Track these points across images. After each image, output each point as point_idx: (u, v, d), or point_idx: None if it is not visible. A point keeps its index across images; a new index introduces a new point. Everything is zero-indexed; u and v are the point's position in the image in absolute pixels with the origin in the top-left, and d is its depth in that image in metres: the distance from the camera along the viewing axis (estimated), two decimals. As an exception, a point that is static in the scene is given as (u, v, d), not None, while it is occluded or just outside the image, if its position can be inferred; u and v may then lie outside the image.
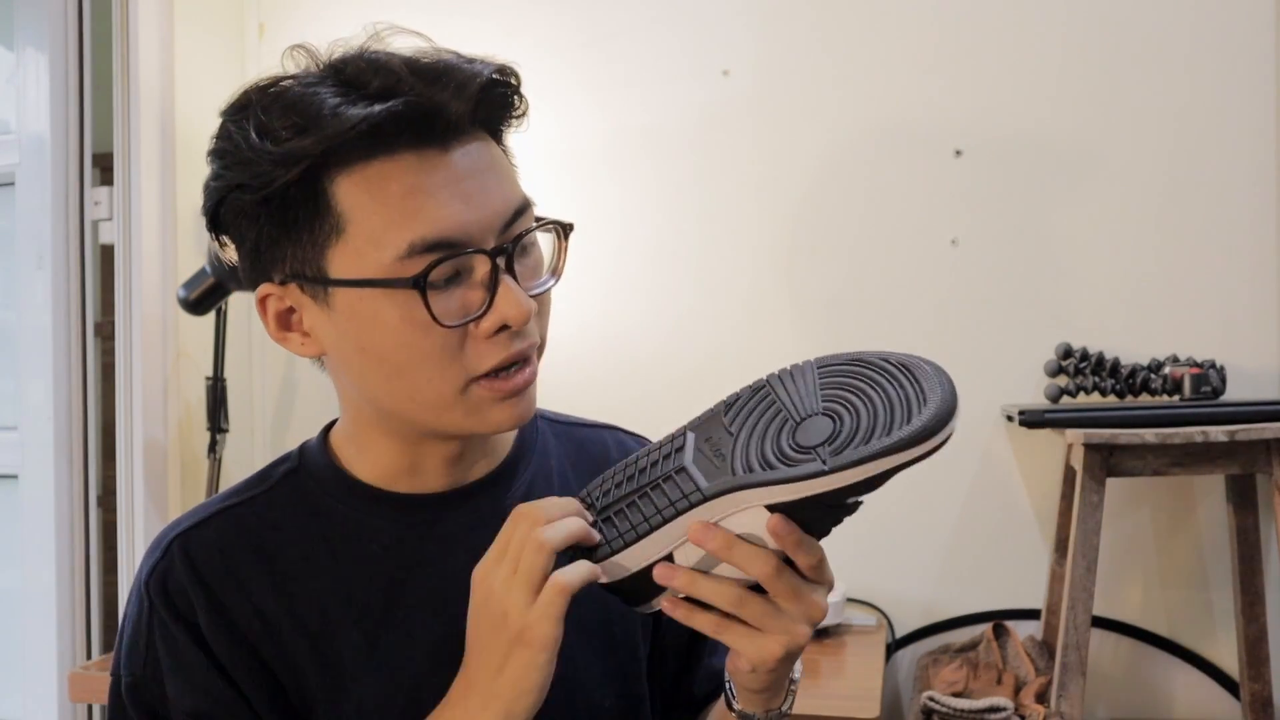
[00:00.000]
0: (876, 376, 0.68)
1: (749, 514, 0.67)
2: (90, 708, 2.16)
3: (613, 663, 0.86)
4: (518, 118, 0.81)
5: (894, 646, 2.05)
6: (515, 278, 0.74)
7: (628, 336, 2.18)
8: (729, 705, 0.77)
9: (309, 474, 0.85)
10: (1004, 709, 1.69)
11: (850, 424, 0.66)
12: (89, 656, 2.14)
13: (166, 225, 2.14)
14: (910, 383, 0.66)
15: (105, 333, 2.22)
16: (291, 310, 0.78)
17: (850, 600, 2.02)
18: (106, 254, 2.17)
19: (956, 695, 1.78)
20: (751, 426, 0.69)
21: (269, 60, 2.42)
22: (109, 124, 2.14)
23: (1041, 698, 1.75)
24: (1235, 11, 1.95)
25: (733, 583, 0.68)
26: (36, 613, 2.15)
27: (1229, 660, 1.96)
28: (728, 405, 0.72)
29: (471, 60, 0.76)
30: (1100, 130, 2.01)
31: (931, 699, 1.74)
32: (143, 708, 0.79)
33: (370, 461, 0.83)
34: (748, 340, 2.13)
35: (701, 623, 0.70)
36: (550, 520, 0.70)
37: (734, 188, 2.15)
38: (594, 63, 2.21)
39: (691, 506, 0.68)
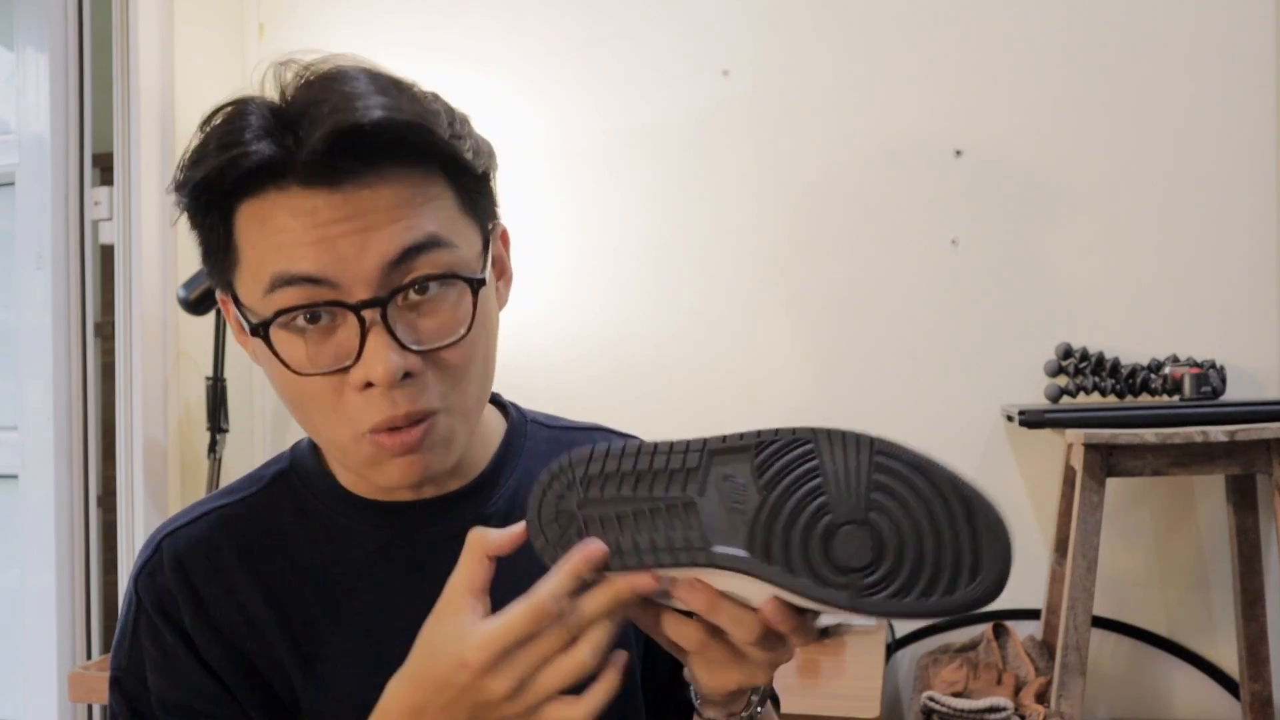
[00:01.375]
0: (938, 506, 0.60)
1: (751, 586, 0.62)
2: (90, 708, 2.16)
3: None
4: (463, 153, 0.74)
5: (894, 646, 2.05)
6: (392, 331, 0.70)
7: (628, 336, 2.18)
8: (694, 706, 0.76)
9: (299, 477, 0.85)
10: (1004, 709, 1.69)
11: (891, 562, 0.60)
12: (89, 656, 2.14)
13: (166, 225, 2.14)
14: (968, 533, 0.60)
15: (105, 333, 2.22)
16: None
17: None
18: (106, 254, 2.17)
19: (956, 695, 1.78)
20: (783, 498, 0.61)
21: (269, 60, 2.42)
22: (109, 124, 2.14)
23: (1041, 698, 1.75)
24: (1235, 12, 1.95)
25: (697, 626, 0.64)
26: (36, 613, 2.15)
27: (1229, 660, 1.96)
28: (760, 446, 0.62)
29: (362, 98, 0.70)
30: (1100, 131, 2.01)
31: (931, 699, 1.74)
32: (125, 699, 0.80)
33: (347, 471, 0.84)
34: (747, 340, 2.13)
35: (660, 640, 0.68)
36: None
37: (734, 188, 2.15)
38: (594, 63, 2.21)
39: (693, 565, 0.62)
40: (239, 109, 0.73)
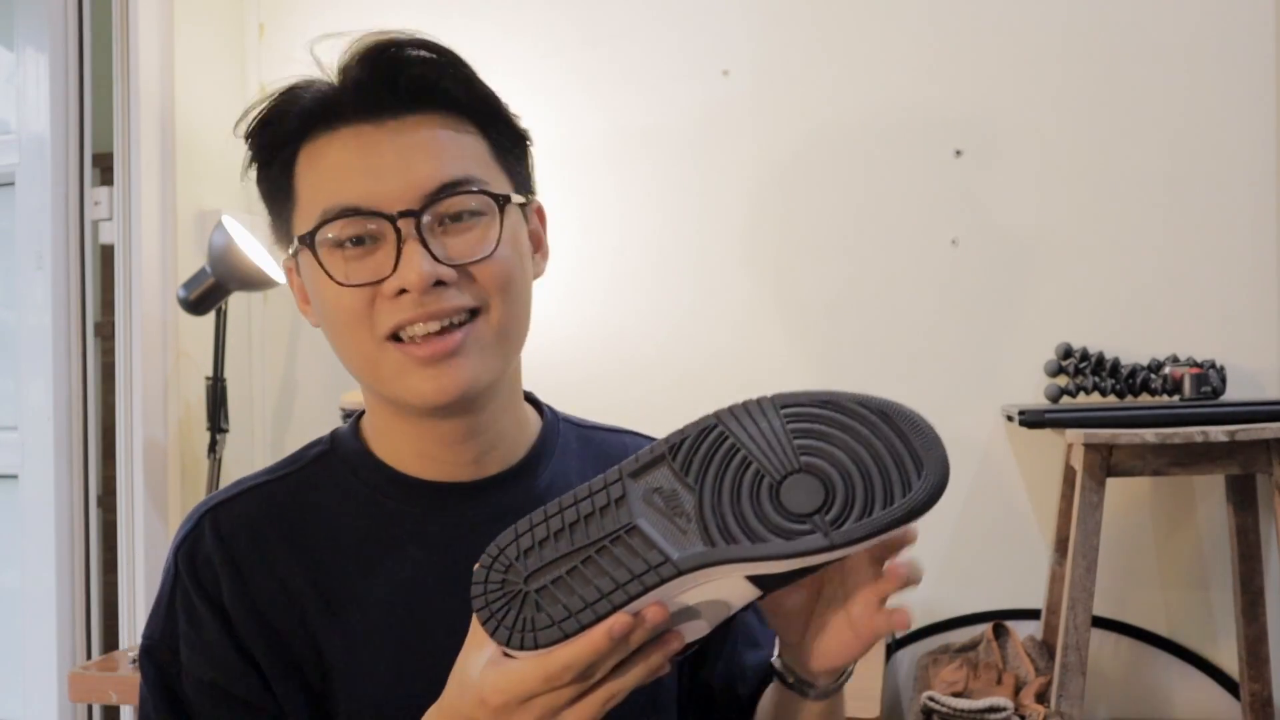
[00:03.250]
0: (857, 426, 0.63)
1: (721, 581, 0.62)
2: (90, 708, 2.16)
3: None
4: (478, 97, 0.81)
5: (894, 646, 2.05)
6: (426, 244, 0.75)
7: (627, 336, 2.18)
8: (783, 683, 0.77)
9: (340, 457, 0.87)
10: (1004, 709, 1.69)
11: (844, 489, 0.61)
12: (89, 656, 2.14)
13: (166, 225, 2.14)
14: (896, 435, 0.62)
15: (105, 333, 2.22)
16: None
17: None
18: (106, 254, 2.17)
19: (956, 695, 1.78)
20: (717, 480, 0.62)
21: (269, 60, 2.42)
22: (109, 124, 2.14)
23: (1041, 698, 1.75)
24: (1235, 11, 1.95)
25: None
26: (36, 613, 2.15)
27: (1229, 660, 1.95)
28: (672, 450, 0.63)
29: (394, 41, 0.79)
30: (1100, 130, 2.01)
31: (931, 699, 1.74)
32: (154, 667, 0.81)
33: (389, 444, 0.85)
34: (747, 340, 2.13)
35: (775, 609, 0.72)
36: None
37: (733, 187, 2.15)
38: (594, 62, 2.21)
39: (663, 581, 0.60)
40: (299, 80, 0.81)
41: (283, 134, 0.80)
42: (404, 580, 0.82)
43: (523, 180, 0.85)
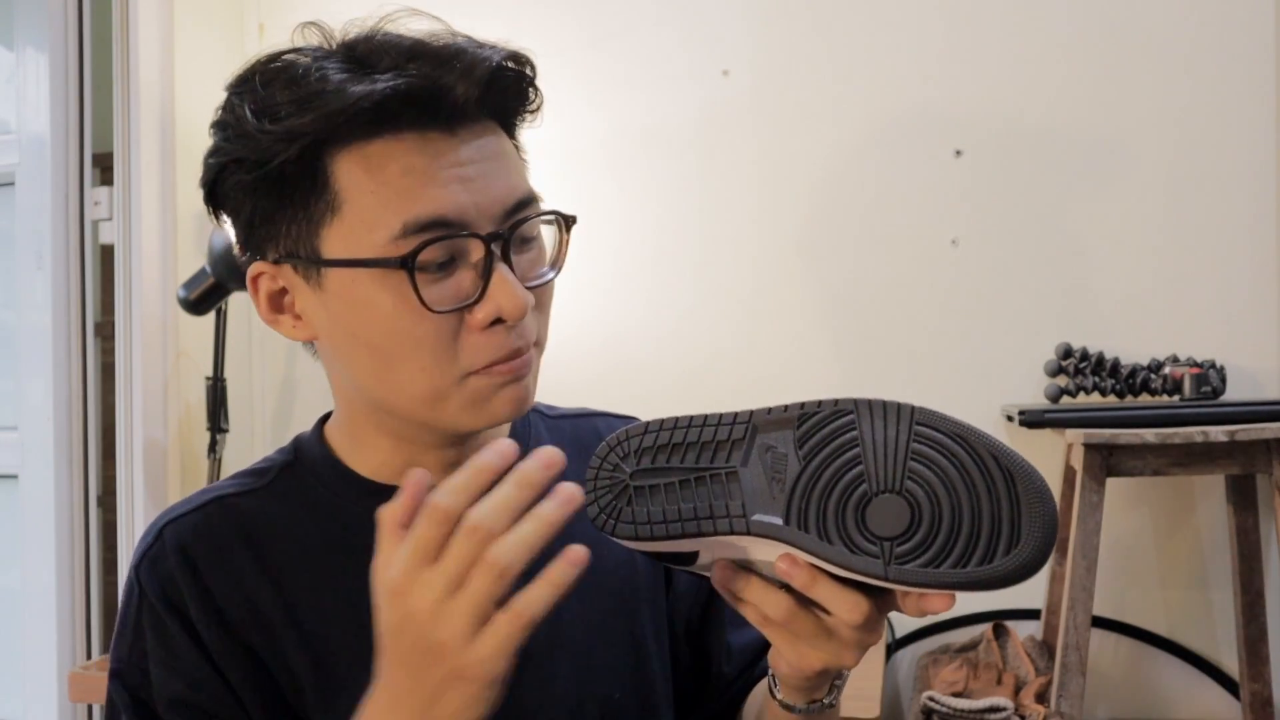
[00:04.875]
0: (976, 474, 0.60)
1: (777, 548, 0.63)
2: (90, 708, 2.16)
3: (623, 655, 0.85)
4: (531, 111, 0.80)
5: (894, 646, 2.05)
6: (512, 267, 0.72)
7: (628, 336, 2.18)
8: (770, 693, 0.75)
9: (305, 467, 0.84)
10: (1004, 709, 1.69)
11: (927, 531, 0.60)
12: (89, 656, 2.14)
13: (166, 225, 2.14)
14: (1010, 503, 0.59)
15: (105, 333, 2.22)
16: (284, 291, 0.77)
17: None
18: (106, 254, 2.17)
19: (956, 695, 1.78)
20: (820, 469, 0.62)
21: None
22: (109, 124, 2.14)
23: (1041, 698, 1.75)
24: (1235, 11, 1.95)
25: (785, 595, 0.64)
26: (36, 613, 2.15)
27: (1229, 660, 1.96)
28: (802, 418, 0.63)
29: (483, 45, 0.75)
30: (1101, 130, 2.01)
31: (931, 699, 1.74)
32: (126, 691, 0.78)
33: (366, 456, 0.82)
34: (748, 340, 2.13)
35: (746, 610, 0.67)
36: (503, 532, 0.58)
37: (734, 187, 2.15)
38: (594, 63, 2.21)
39: (732, 532, 0.63)
40: (295, 60, 0.74)
41: (314, 140, 0.71)
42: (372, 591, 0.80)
43: None
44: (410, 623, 0.59)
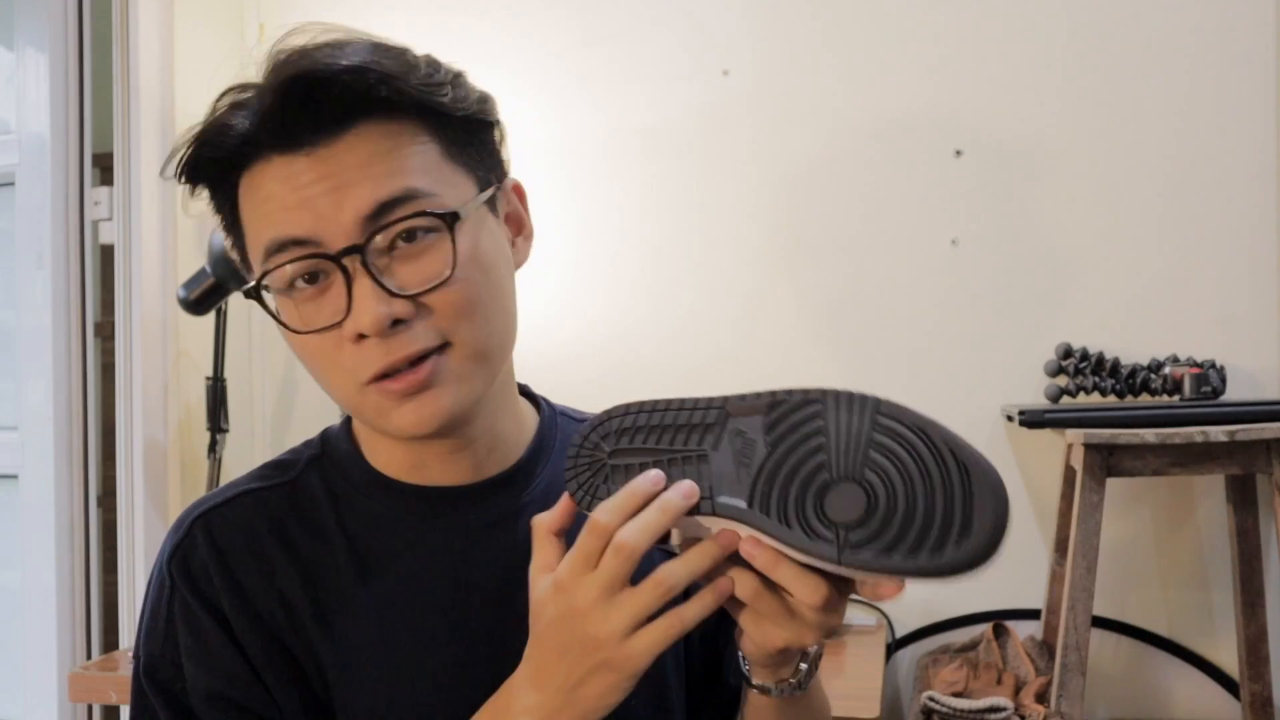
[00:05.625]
0: (932, 467, 0.61)
1: (741, 529, 0.65)
2: (90, 708, 2.16)
3: None
4: (428, 91, 0.74)
5: (894, 646, 2.05)
6: (377, 280, 0.71)
7: (628, 336, 2.18)
8: (745, 679, 0.76)
9: (331, 461, 0.84)
10: (1004, 709, 1.69)
11: (881, 520, 0.61)
12: (89, 656, 2.14)
13: (166, 225, 2.14)
14: (963, 496, 0.61)
15: (105, 333, 2.22)
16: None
17: (850, 600, 2.02)
18: (106, 254, 2.17)
19: (956, 695, 1.78)
20: (785, 455, 0.64)
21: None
22: (109, 124, 2.14)
23: (1041, 698, 1.75)
24: (1235, 11, 1.95)
25: (750, 575, 0.65)
26: (36, 613, 2.15)
27: (1229, 660, 1.96)
28: (772, 405, 0.66)
29: (305, 70, 0.71)
30: (1100, 130, 2.01)
31: (931, 699, 1.74)
32: (158, 687, 0.78)
33: (381, 453, 0.83)
34: (747, 340, 2.13)
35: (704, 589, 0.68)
36: (646, 549, 0.64)
37: (734, 188, 2.15)
38: (594, 63, 2.21)
39: (698, 512, 0.65)
40: (228, 92, 0.76)
41: (217, 163, 0.75)
42: (399, 589, 0.80)
43: (490, 168, 0.79)
44: (570, 617, 0.65)
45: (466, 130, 0.77)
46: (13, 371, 2.21)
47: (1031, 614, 2.00)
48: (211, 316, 2.05)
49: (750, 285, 2.14)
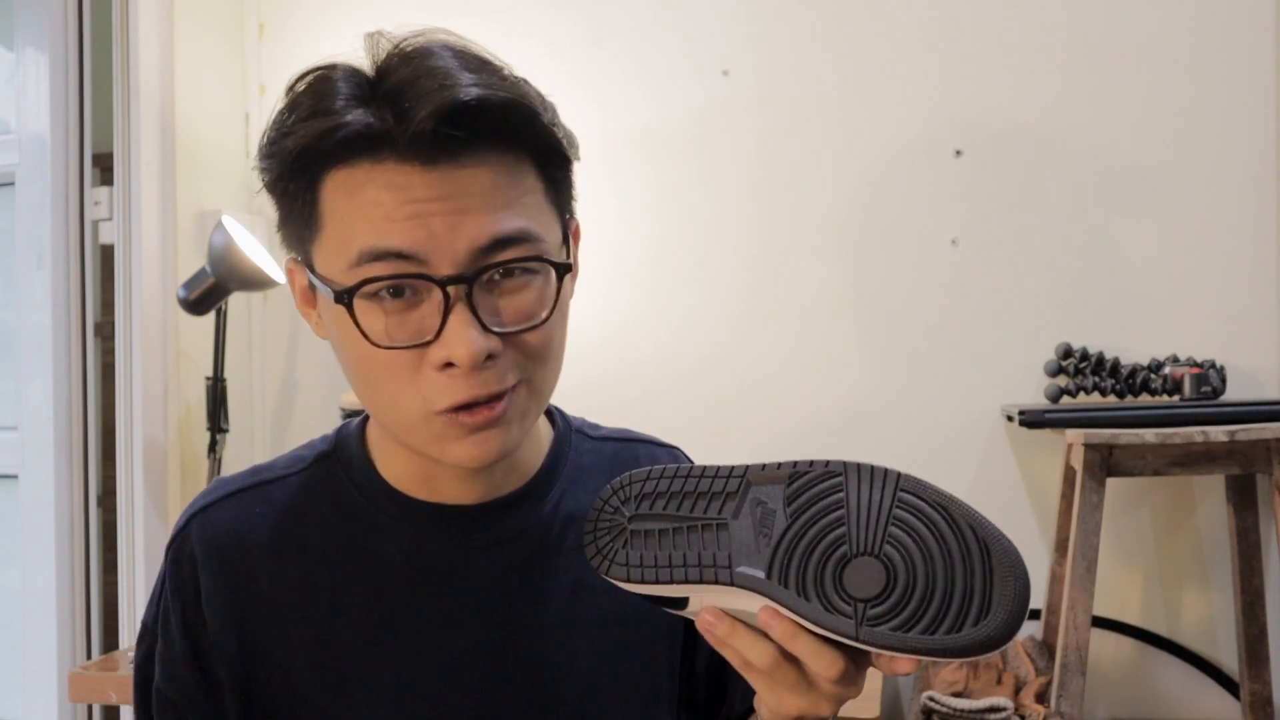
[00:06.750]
0: (953, 544, 0.62)
1: (759, 601, 0.65)
2: (90, 708, 2.16)
3: (633, 688, 0.84)
4: (551, 146, 0.74)
5: (894, 646, 2.05)
6: (475, 311, 0.69)
7: (628, 336, 2.18)
8: None
9: (340, 462, 0.83)
10: (1004, 709, 1.69)
11: (900, 596, 0.62)
12: (89, 656, 2.14)
13: (166, 225, 2.14)
14: (983, 577, 0.61)
15: (105, 333, 2.22)
16: (312, 287, 0.77)
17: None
18: (106, 254, 2.17)
19: (956, 695, 1.77)
20: (808, 524, 0.64)
21: (269, 60, 2.42)
22: (109, 124, 2.14)
23: (1041, 698, 1.75)
24: (1235, 11, 1.95)
25: (769, 644, 0.66)
26: (36, 613, 2.15)
27: (1229, 660, 1.96)
28: (793, 476, 0.65)
29: (466, 76, 0.71)
30: (1100, 130, 2.01)
31: (931, 699, 1.74)
32: (143, 652, 0.81)
33: (389, 462, 0.82)
34: (747, 340, 2.13)
35: (730, 655, 0.68)
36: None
37: (734, 188, 2.15)
38: (594, 63, 2.21)
39: (716, 582, 0.65)
40: (327, 75, 0.73)
41: (312, 159, 0.71)
42: (399, 605, 0.79)
43: (568, 208, 0.79)
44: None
45: (563, 170, 0.77)
46: (13, 371, 2.21)
47: (1032, 614, 2.00)
48: (211, 316, 2.05)
49: (750, 285, 2.14)
